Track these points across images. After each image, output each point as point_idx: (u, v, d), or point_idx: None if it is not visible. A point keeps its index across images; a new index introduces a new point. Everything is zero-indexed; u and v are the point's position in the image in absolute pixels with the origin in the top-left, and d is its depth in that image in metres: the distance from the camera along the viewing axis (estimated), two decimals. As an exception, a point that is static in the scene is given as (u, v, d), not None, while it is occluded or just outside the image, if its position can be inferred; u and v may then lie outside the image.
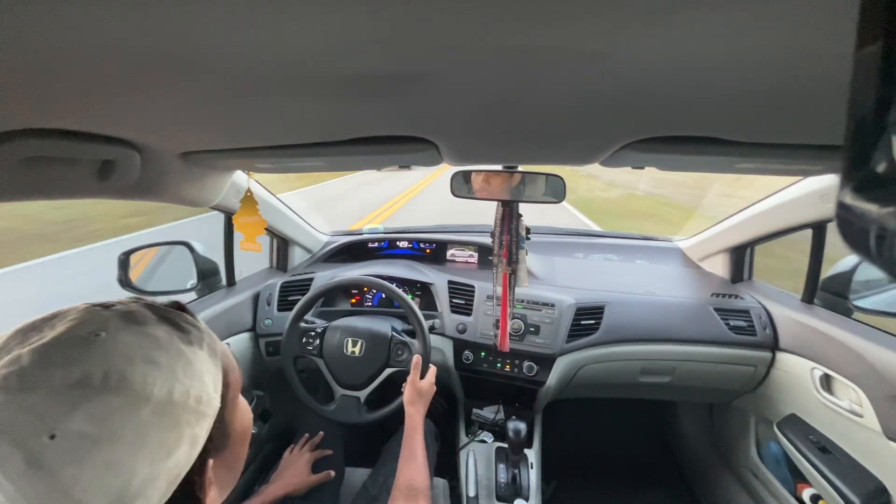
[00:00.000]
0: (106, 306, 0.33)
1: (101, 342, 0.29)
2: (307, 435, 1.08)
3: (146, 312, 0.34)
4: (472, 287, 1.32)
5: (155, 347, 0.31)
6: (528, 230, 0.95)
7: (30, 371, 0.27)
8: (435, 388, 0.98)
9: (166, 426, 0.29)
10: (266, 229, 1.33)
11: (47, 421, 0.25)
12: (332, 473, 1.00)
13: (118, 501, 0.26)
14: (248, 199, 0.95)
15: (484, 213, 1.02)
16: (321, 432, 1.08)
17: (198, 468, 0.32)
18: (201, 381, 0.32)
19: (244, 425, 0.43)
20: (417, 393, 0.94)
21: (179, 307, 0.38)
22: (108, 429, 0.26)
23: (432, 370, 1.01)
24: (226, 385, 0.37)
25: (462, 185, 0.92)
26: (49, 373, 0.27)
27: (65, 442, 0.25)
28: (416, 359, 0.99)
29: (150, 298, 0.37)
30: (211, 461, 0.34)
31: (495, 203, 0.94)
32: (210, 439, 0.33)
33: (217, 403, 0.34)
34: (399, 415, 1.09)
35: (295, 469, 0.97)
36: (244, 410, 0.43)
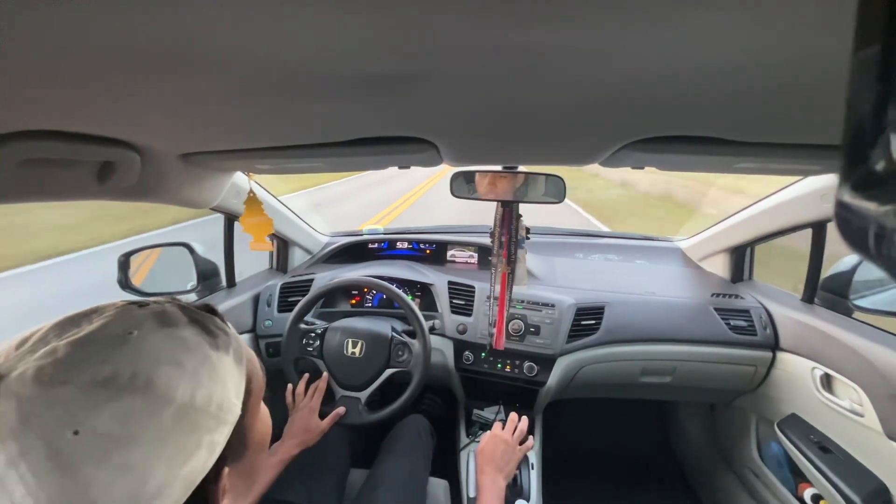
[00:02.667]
0: (141, 305, 0.34)
1: (133, 342, 0.30)
2: (302, 382, 1.07)
3: (178, 313, 0.34)
4: (473, 288, 1.32)
5: (182, 350, 0.31)
6: (527, 230, 0.95)
7: (63, 364, 0.27)
8: (512, 446, 0.90)
9: (186, 431, 0.29)
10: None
11: (73, 417, 0.26)
12: (343, 410, 1.01)
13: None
14: (253, 201, 0.95)
15: (487, 213, 1.02)
16: (324, 373, 1.08)
17: (213, 476, 0.31)
18: (224, 387, 0.32)
19: (263, 434, 0.42)
20: (486, 456, 0.87)
21: (211, 310, 0.38)
22: (129, 430, 0.27)
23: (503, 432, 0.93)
24: (248, 392, 0.36)
25: (462, 186, 0.92)
26: (81, 368, 0.27)
27: (87, 439, 0.25)
28: (489, 435, 0.92)
29: (182, 299, 0.38)
30: (227, 469, 0.34)
31: (495, 203, 0.94)
32: (228, 446, 0.32)
33: (238, 410, 0.34)
34: (399, 414, 1.09)
35: (303, 423, 0.96)
36: (265, 419, 0.43)
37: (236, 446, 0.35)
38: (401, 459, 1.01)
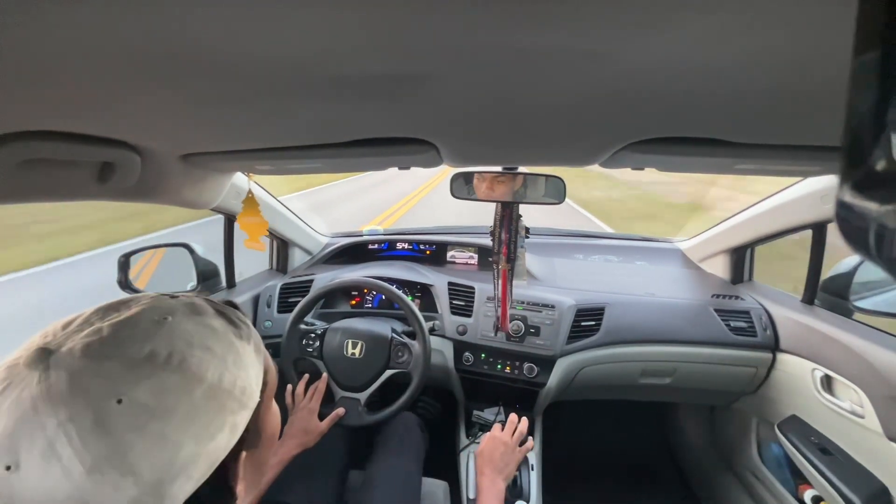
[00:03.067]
0: (173, 296, 0.37)
1: (169, 325, 0.32)
2: (302, 382, 1.07)
3: (205, 305, 0.37)
4: (473, 288, 1.32)
5: (211, 336, 0.34)
6: (527, 230, 0.96)
7: (108, 341, 0.30)
8: (507, 447, 0.89)
9: (213, 409, 0.31)
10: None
11: (117, 387, 0.28)
12: (342, 411, 1.00)
13: (164, 474, 0.28)
14: (250, 201, 0.95)
15: (489, 215, 1.02)
16: (324, 374, 1.08)
17: (233, 457, 0.34)
18: (247, 373, 0.35)
19: (274, 429, 0.45)
20: (485, 458, 0.86)
21: (232, 305, 0.41)
22: (165, 403, 0.29)
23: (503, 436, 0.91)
24: (264, 384, 0.39)
25: (462, 187, 0.92)
26: (124, 345, 0.30)
27: (129, 408, 0.28)
28: (490, 434, 0.92)
29: (207, 294, 0.41)
30: (244, 454, 0.36)
31: (495, 204, 0.94)
32: (246, 432, 0.35)
33: (257, 397, 0.36)
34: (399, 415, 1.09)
35: (302, 424, 0.96)
36: (275, 414, 0.46)
37: (253, 434, 0.38)
38: (391, 458, 1.00)
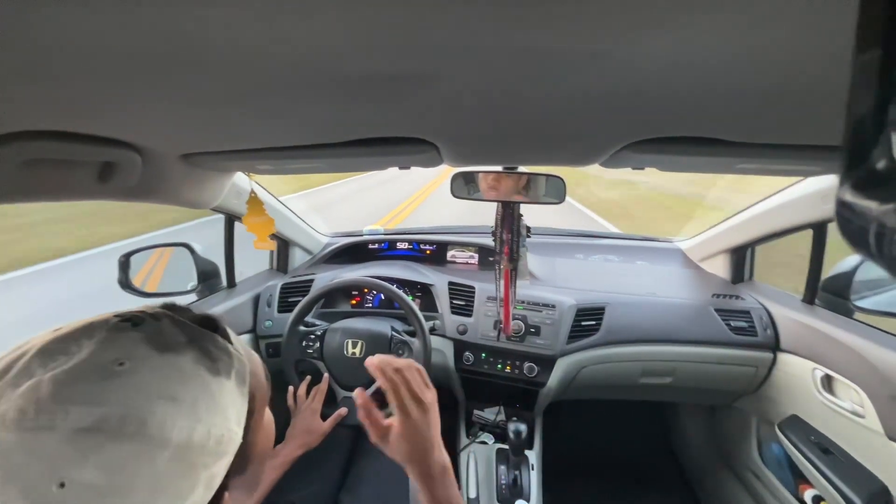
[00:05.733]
0: (135, 323, 0.31)
1: (124, 375, 0.27)
2: (304, 384, 1.07)
3: (174, 334, 0.31)
4: (473, 288, 1.32)
5: (179, 382, 0.29)
6: (528, 229, 0.96)
7: (46, 406, 0.25)
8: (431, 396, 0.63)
9: (182, 472, 0.27)
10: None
11: (58, 468, 0.24)
12: (345, 411, 1.00)
13: None
14: (254, 201, 0.95)
15: (491, 214, 1.02)
16: (325, 375, 1.08)
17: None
18: (224, 418, 0.30)
19: (266, 444, 0.41)
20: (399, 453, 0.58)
21: (212, 325, 0.35)
22: (120, 480, 0.25)
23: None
24: (250, 413, 0.34)
25: (462, 187, 0.92)
26: (65, 410, 0.25)
27: (73, 493, 0.24)
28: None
29: (183, 309, 0.36)
30: (227, 494, 0.32)
31: (497, 203, 0.94)
32: (227, 473, 0.31)
33: (238, 439, 0.32)
34: None
35: (305, 424, 0.96)
36: (268, 427, 0.42)
37: (239, 464, 0.33)
38: (378, 456, 1.00)
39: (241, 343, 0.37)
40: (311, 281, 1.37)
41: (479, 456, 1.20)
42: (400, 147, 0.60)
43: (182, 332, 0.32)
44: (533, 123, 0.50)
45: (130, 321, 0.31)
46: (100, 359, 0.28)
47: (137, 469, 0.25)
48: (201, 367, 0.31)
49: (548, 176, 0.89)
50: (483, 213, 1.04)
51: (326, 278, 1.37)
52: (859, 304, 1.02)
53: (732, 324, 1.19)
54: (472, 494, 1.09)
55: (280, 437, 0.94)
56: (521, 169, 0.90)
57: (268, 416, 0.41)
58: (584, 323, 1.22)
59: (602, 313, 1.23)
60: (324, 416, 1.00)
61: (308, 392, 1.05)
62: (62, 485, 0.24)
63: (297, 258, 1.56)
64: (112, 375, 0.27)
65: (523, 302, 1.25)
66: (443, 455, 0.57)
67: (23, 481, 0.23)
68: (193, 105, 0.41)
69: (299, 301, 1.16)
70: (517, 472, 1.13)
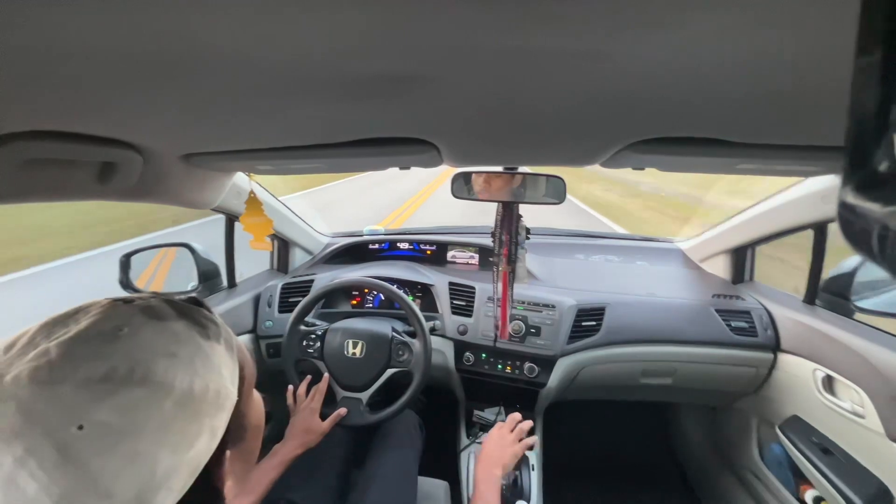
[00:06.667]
0: (127, 301, 0.34)
1: (124, 337, 0.30)
2: (304, 383, 1.07)
3: (165, 307, 0.34)
4: (473, 288, 1.32)
5: (175, 342, 0.32)
6: (527, 230, 0.96)
7: (58, 364, 0.27)
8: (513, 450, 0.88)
9: (187, 418, 0.29)
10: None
11: (76, 412, 0.26)
12: (344, 411, 1.00)
13: (143, 491, 0.27)
14: (253, 201, 0.95)
15: (492, 214, 1.01)
16: (325, 375, 1.08)
17: (216, 459, 0.32)
18: (219, 375, 0.33)
19: (258, 418, 0.44)
20: (484, 455, 0.86)
21: (196, 302, 0.38)
22: (133, 420, 0.27)
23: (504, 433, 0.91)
24: (241, 378, 0.37)
25: (463, 187, 0.92)
26: (76, 366, 0.27)
27: (93, 433, 0.26)
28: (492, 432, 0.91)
29: (168, 294, 0.38)
30: (228, 452, 0.35)
31: (497, 204, 0.94)
32: (228, 431, 0.33)
33: (234, 396, 0.34)
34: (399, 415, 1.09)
35: (304, 424, 0.96)
36: (258, 404, 0.45)
37: (236, 430, 0.36)
38: (388, 456, 1.01)
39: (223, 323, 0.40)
40: (312, 281, 1.37)
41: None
42: (400, 147, 0.60)
43: (171, 307, 0.35)
44: (533, 124, 0.50)
45: (122, 300, 0.34)
46: (101, 326, 0.30)
47: (147, 411, 0.28)
48: (193, 332, 0.34)
49: (548, 176, 0.89)
50: (488, 212, 1.04)
51: (327, 278, 1.37)
52: (860, 304, 1.02)
53: (733, 324, 1.18)
54: (472, 495, 1.09)
55: (279, 437, 0.94)
56: (522, 169, 0.90)
57: (257, 395, 0.44)
58: (584, 323, 1.22)
59: (602, 314, 1.23)
60: (323, 416, 1.00)
61: (308, 392, 1.05)
62: (81, 427, 0.26)
63: (298, 258, 1.56)
64: (115, 338, 0.30)
65: (524, 302, 1.25)
66: (498, 476, 0.82)
67: (44, 426, 0.25)
68: (194, 105, 0.41)
69: (300, 301, 1.16)
70: (517, 473, 1.13)
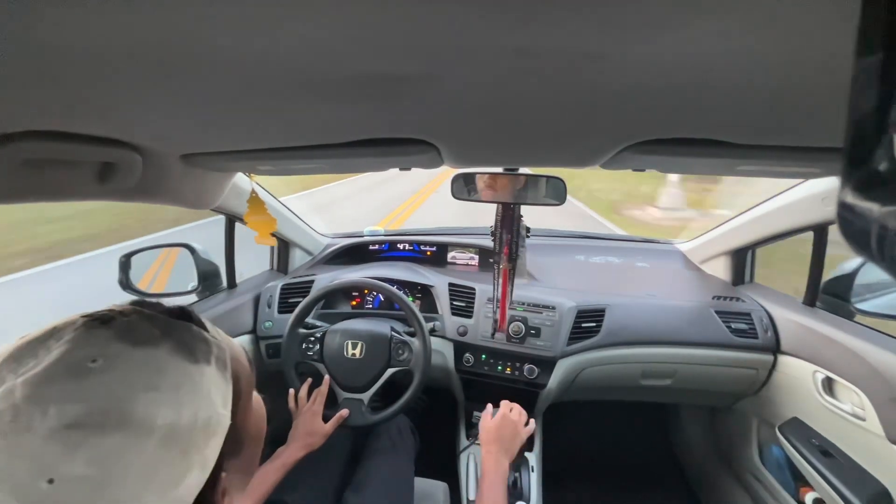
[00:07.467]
0: (105, 320, 0.30)
1: (98, 372, 0.27)
2: (305, 386, 1.07)
3: (147, 328, 0.31)
4: (473, 289, 1.32)
5: (156, 372, 0.28)
6: (527, 229, 0.96)
7: (23, 409, 0.25)
8: (520, 434, 0.92)
9: (174, 456, 0.27)
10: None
11: (44, 466, 0.23)
12: (346, 412, 1.01)
13: None
14: (255, 200, 0.96)
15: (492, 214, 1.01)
16: (326, 377, 1.09)
17: (210, 485, 0.30)
18: (209, 401, 0.30)
19: (258, 426, 0.41)
20: (492, 435, 0.88)
21: (185, 316, 0.35)
22: (111, 470, 0.24)
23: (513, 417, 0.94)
24: (237, 395, 0.34)
25: (463, 188, 0.92)
26: (43, 410, 0.25)
27: (64, 487, 0.23)
28: (490, 409, 0.97)
29: (154, 304, 0.35)
30: (224, 474, 0.32)
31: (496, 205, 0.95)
32: (221, 455, 0.31)
33: (227, 420, 0.31)
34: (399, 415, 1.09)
35: (306, 426, 0.96)
36: (258, 410, 0.42)
37: (232, 446, 0.33)
38: (383, 459, 1.01)
39: (218, 331, 0.37)
40: (312, 282, 1.37)
41: (479, 457, 1.20)
42: (400, 148, 0.60)
43: (154, 326, 0.31)
44: (533, 124, 0.50)
45: (98, 320, 0.30)
46: (71, 358, 0.27)
47: (127, 458, 0.25)
48: (178, 357, 0.30)
49: (548, 177, 0.89)
50: (484, 211, 1.04)
51: (327, 279, 1.37)
52: (860, 306, 1.02)
53: (733, 326, 1.18)
54: (472, 496, 1.09)
55: (282, 440, 0.94)
56: (522, 170, 0.90)
57: (256, 400, 0.41)
58: (584, 324, 1.21)
59: (602, 315, 1.23)
60: (325, 418, 1.00)
61: (309, 394, 1.05)
62: (51, 481, 0.23)
63: (298, 259, 1.56)
64: (86, 373, 0.27)
65: (524, 303, 1.25)
66: (506, 464, 0.83)
67: (11, 482, 0.23)
68: (194, 105, 0.41)
69: (299, 302, 1.16)
70: (517, 474, 1.13)
